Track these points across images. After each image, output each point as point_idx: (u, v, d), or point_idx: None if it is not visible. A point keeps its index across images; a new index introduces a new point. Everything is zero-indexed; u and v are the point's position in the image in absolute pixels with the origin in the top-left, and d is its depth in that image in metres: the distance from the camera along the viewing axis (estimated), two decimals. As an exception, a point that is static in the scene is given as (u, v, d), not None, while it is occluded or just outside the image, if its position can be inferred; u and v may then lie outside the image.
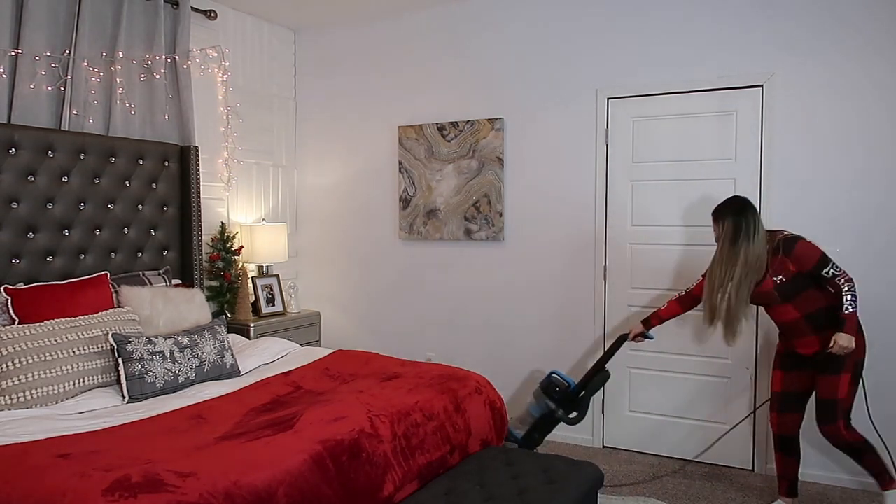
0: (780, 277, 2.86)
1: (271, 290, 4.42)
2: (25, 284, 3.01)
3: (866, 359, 2.93)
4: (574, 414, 3.25)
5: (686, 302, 3.25)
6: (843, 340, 2.77)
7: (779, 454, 3.10)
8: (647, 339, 3.39)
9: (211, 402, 2.64)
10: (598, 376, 3.30)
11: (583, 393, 3.28)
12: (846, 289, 2.78)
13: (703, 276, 3.09)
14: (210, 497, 1.77)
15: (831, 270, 2.80)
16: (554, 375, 3.27)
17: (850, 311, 2.78)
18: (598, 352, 3.97)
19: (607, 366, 3.33)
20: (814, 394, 2.96)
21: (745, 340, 3.59)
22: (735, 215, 2.91)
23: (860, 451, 2.90)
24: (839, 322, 2.79)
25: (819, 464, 3.45)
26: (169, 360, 2.85)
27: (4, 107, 3.15)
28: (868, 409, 3.04)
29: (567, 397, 3.23)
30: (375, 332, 4.73)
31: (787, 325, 2.97)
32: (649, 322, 3.32)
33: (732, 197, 3.03)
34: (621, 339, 3.38)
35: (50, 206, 3.22)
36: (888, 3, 3.24)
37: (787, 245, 2.83)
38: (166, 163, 3.76)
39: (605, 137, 3.90)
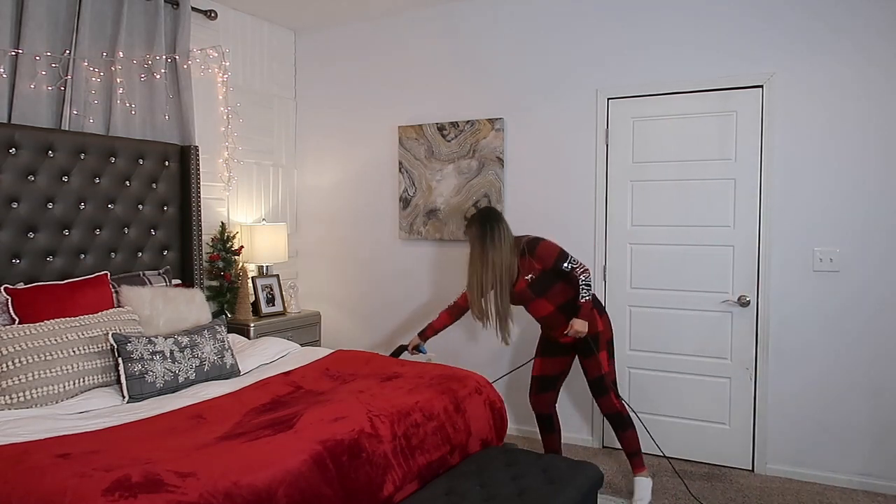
0: (530, 276, 3.15)
1: (271, 290, 4.42)
2: (25, 284, 3.01)
3: (614, 337, 3.32)
4: None
5: (454, 312, 3.46)
6: (578, 325, 3.10)
7: (542, 432, 3.47)
8: (421, 353, 3.53)
9: (211, 402, 2.64)
10: None
11: None
12: (581, 279, 3.09)
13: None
14: (210, 497, 1.77)
15: (569, 265, 3.10)
16: None
17: (585, 299, 3.09)
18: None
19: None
20: (584, 375, 3.30)
21: (745, 340, 3.60)
22: (480, 224, 3.18)
23: (627, 422, 3.23)
24: (577, 309, 3.12)
25: (819, 464, 3.45)
26: (169, 360, 2.85)
27: (4, 107, 3.15)
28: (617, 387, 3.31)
29: None
30: (375, 332, 4.73)
31: (545, 319, 3.27)
32: (424, 334, 3.50)
33: (481, 208, 3.41)
34: (399, 350, 3.55)
35: (50, 205, 3.22)
36: (888, 3, 3.24)
37: (530, 247, 3.14)
38: (166, 163, 3.76)
39: (605, 137, 3.90)
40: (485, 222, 3.17)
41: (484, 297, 3.19)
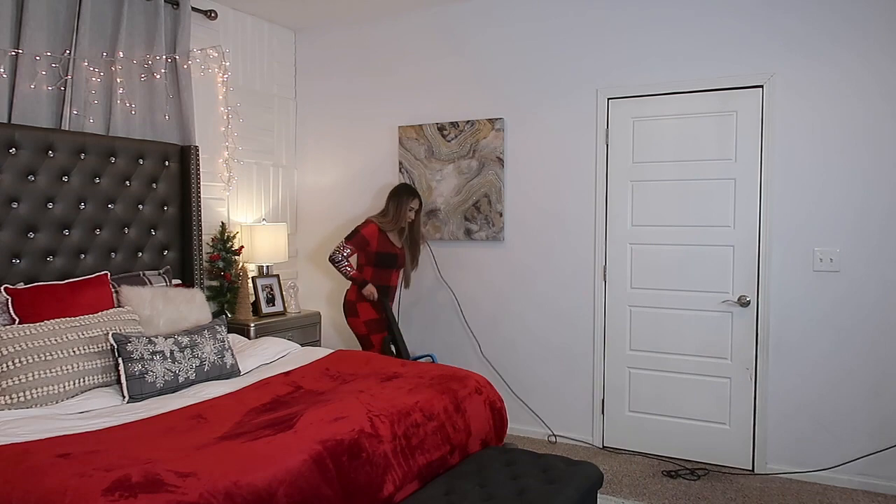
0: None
1: (271, 290, 4.42)
2: (25, 284, 3.02)
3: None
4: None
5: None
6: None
7: None
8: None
9: (211, 402, 2.64)
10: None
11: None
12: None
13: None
14: (210, 497, 1.77)
15: None
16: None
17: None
18: (597, 352, 3.98)
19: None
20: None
21: (745, 340, 3.60)
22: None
23: None
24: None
25: (819, 464, 3.45)
26: (169, 360, 2.85)
27: (4, 107, 3.15)
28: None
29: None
30: (375, 332, 4.72)
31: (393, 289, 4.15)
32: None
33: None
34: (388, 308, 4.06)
35: (50, 205, 3.22)
36: (889, 3, 3.24)
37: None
38: (166, 163, 3.76)
39: (605, 137, 3.90)
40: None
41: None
